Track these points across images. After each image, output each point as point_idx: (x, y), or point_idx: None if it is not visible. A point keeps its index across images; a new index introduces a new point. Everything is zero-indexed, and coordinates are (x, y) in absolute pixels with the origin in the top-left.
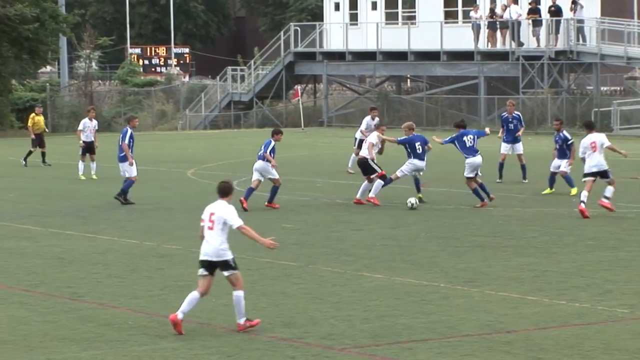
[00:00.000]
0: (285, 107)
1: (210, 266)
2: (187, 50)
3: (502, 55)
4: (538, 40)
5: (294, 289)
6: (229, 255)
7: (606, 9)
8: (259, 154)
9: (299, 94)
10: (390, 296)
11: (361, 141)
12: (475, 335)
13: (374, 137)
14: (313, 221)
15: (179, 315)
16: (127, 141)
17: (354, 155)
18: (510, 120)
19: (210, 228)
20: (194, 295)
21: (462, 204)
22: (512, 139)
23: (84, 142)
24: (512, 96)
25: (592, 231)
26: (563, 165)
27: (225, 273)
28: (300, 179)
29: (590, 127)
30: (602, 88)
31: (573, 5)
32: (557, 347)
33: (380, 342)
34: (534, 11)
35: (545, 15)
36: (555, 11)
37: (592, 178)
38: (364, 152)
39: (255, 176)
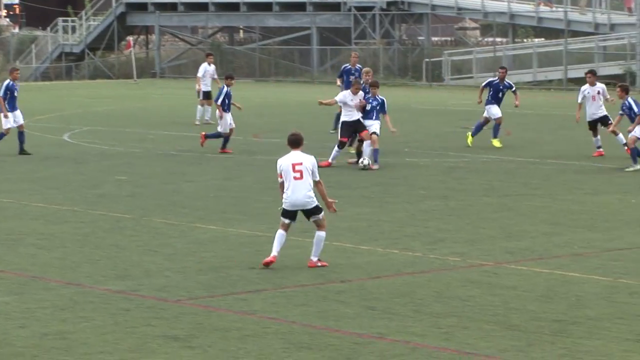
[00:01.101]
0: (117, 58)
1: (296, 214)
2: (16, 0)
3: (334, 6)
4: None
5: (127, 241)
6: (315, 202)
7: None
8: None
9: (131, 45)
10: (225, 247)
11: (205, 92)
12: (310, 285)
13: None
14: (146, 173)
15: (276, 254)
16: (1, 94)
17: (199, 106)
18: (352, 72)
19: (299, 178)
20: (283, 234)
21: None
22: None
23: None
24: (345, 47)
25: (424, 181)
26: (498, 111)
27: (314, 217)
28: (133, 130)
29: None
30: (433, 38)
31: None
32: (390, 296)
33: (215, 293)
34: None
35: None
36: None
37: None
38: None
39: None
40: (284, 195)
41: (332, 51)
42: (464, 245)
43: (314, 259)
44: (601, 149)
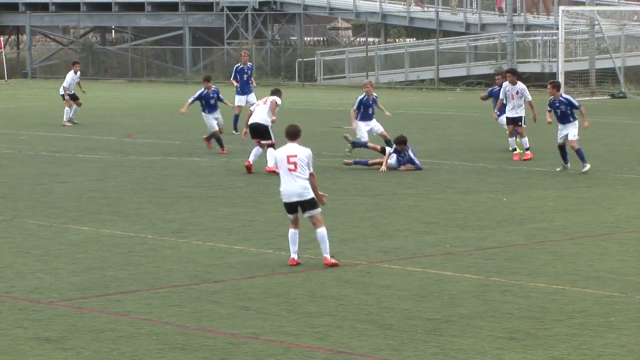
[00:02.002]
0: None
1: (296, 207)
2: None
3: (207, 6)
4: None
5: None
6: (311, 194)
7: None
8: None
9: (2, 45)
10: (98, 248)
11: (71, 95)
12: (183, 286)
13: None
14: (18, 174)
15: (295, 257)
16: None
17: (67, 108)
18: (245, 71)
19: (293, 170)
20: (295, 232)
21: (169, 155)
22: (247, 90)
23: None
24: (217, 47)
25: None
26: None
27: (309, 213)
28: (5, 131)
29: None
30: (305, 38)
31: None
32: (264, 296)
33: (88, 294)
34: None
35: None
36: None
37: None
38: (260, 117)
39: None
40: (280, 189)
41: (204, 51)
42: (338, 245)
43: (327, 256)
44: (518, 152)
